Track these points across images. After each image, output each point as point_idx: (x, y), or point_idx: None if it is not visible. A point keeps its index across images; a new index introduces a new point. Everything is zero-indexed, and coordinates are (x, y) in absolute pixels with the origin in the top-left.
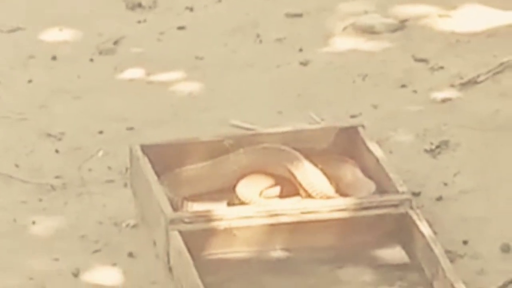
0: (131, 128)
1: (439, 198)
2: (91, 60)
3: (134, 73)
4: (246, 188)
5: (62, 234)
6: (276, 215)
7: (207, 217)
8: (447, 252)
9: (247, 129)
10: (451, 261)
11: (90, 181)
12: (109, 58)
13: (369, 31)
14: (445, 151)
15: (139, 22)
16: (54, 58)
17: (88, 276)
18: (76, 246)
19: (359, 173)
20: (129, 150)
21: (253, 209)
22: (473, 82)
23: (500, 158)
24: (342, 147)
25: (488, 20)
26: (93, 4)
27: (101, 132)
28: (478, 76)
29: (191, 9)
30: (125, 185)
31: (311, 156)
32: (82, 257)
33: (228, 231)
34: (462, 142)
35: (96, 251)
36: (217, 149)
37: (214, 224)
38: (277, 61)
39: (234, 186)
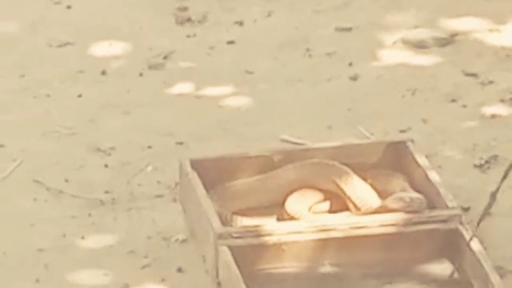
0: (180, 143)
1: (489, 214)
2: (141, 74)
3: (183, 87)
4: (295, 203)
5: (111, 249)
6: (325, 230)
7: (256, 232)
8: (497, 267)
9: (297, 143)
10: (501, 276)
11: (139, 196)
12: (159, 72)
13: (419, 45)
14: (495, 166)
15: (188, 36)
16: (103, 72)
17: None
18: (125, 261)
19: (408, 188)
20: (179, 164)
21: (302, 224)
22: None
23: None
24: (391, 161)
25: None
26: (143, 19)
27: (150, 147)
28: None
29: (241, 23)
30: (174, 200)
31: (360, 170)
32: (131, 272)
33: (277, 246)
34: (511, 157)
35: (145, 266)
36: (266, 164)
37: (263, 239)
38: (327, 75)
39: (283, 201)
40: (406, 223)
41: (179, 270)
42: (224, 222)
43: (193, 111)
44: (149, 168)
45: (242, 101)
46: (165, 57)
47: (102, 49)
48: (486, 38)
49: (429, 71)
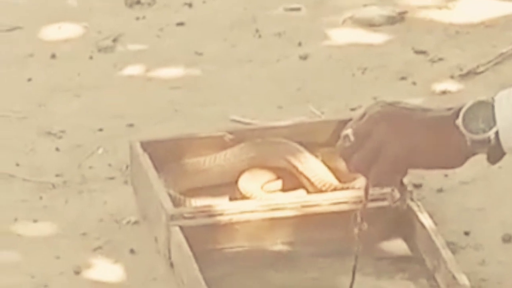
0: (131, 125)
1: (440, 190)
2: (91, 57)
3: (133, 70)
4: (248, 182)
5: (63, 232)
6: (277, 209)
7: (207, 212)
8: (449, 243)
9: (247, 123)
10: (453, 252)
11: (90, 179)
12: (108, 55)
13: (368, 24)
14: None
15: (137, 19)
16: (53, 56)
17: (90, 274)
18: (77, 244)
19: None
20: (129, 147)
21: (254, 203)
22: (473, 73)
23: None
24: None
25: (487, 11)
26: (92, 2)
27: (101, 130)
28: (478, 67)
29: (190, 5)
30: (126, 182)
31: (311, 149)
32: (84, 255)
33: (229, 225)
34: None
35: (97, 248)
36: (217, 144)
37: (215, 219)
38: (277, 56)
39: (236, 181)
40: (358, 201)
41: (132, 251)
42: (176, 202)
43: (143, 93)
44: (100, 150)
45: (192, 82)
46: (114, 40)
47: (52, 32)
48: (436, 15)
49: (379, 49)
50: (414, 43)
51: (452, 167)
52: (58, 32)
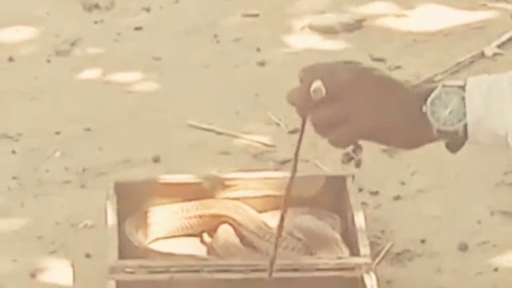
0: (88, 129)
1: (397, 197)
2: (48, 61)
3: (91, 73)
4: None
5: (19, 235)
6: (224, 271)
7: (150, 268)
8: (405, 251)
9: (204, 129)
10: (409, 260)
11: (47, 182)
12: (66, 59)
13: (326, 31)
14: (402, 151)
15: (96, 22)
16: (10, 59)
17: (45, 277)
18: (33, 247)
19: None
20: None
21: (199, 262)
22: (430, 81)
23: (455, 157)
24: (328, 197)
25: (445, 20)
26: (50, 5)
27: (58, 133)
28: (435, 75)
29: (148, 10)
30: (82, 186)
31: (294, 205)
32: (39, 258)
33: (169, 283)
34: None
35: (53, 252)
36: (194, 191)
37: (156, 276)
38: (235, 61)
39: (200, 233)
40: (310, 268)
41: (87, 255)
42: (135, 251)
43: (101, 97)
44: (57, 154)
45: (149, 87)
46: (72, 44)
47: (9, 35)
48: (393, 23)
49: (337, 57)
50: (372, 51)
51: (411, 148)
52: (15, 35)
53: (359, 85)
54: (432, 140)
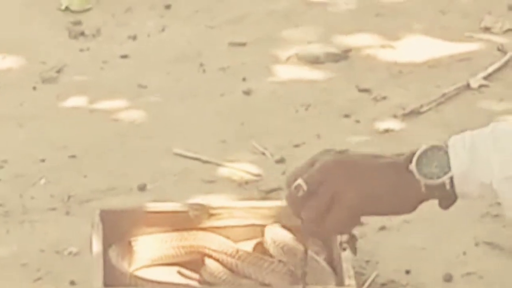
0: (73, 156)
1: (382, 228)
2: (34, 88)
3: (77, 101)
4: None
5: (3, 261)
6: None
7: None
8: (390, 282)
9: (190, 157)
10: None
11: (32, 209)
12: (52, 86)
13: (312, 61)
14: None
15: (82, 50)
16: None
17: None
18: (17, 274)
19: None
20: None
21: None
22: (416, 112)
23: None
24: None
25: (430, 51)
26: (37, 33)
27: (43, 160)
28: (421, 106)
29: (134, 38)
30: (67, 213)
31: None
32: (24, 285)
33: None
34: None
35: (37, 279)
36: (179, 219)
37: None
38: (221, 90)
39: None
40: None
41: (72, 283)
42: (121, 278)
43: (86, 124)
44: (42, 181)
45: (135, 115)
46: (58, 71)
47: None
48: (379, 54)
49: (322, 87)
50: (358, 81)
51: (404, 212)
52: (1, 62)
53: (337, 167)
54: (422, 199)
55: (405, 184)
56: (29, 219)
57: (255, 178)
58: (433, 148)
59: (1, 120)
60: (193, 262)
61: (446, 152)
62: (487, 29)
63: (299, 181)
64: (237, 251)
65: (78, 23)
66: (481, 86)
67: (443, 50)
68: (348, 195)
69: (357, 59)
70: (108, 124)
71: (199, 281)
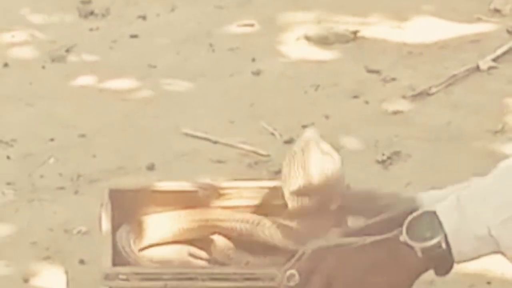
0: (82, 135)
1: None
2: (43, 67)
3: (86, 80)
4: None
5: (13, 240)
6: (218, 279)
7: (143, 275)
8: None
9: (199, 137)
10: None
11: (41, 188)
12: (61, 65)
13: (322, 42)
14: (397, 162)
15: (91, 30)
16: (6, 65)
17: (39, 282)
18: (27, 253)
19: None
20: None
21: (194, 270)
22: (425, 94)
23: (450, 169)
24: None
25: (440, 32)
26: (46, 12)
27: (52, 139)
28: (430, 88)
29: (144, 18)
30: (76, 192)
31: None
32: (33, 264)
33: None
34: (413, 153)
35: (46, 257)
36: (188, 199)
37: (150, 283)
38: (230, 71)
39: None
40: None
41: (81, 262)
42: (129, 258)
43: (95, 104)
44: (51, 160)
45: (144, 94)
46: (67, 50)
47: (5, 41)
48: (389, 35)
49: (331, 68)
50: (367, 62)
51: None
52: (11, 40)
53: (328, 251)
54: (421, 269)
55: (399, 257)
56: (38, 198)
57: (264, 158)
58: (420, 215)
59: (10, 99)
60: (203, 240)
61: (435, 213)
62: (496, 11)
63: (291, 271)
64: (250, 216)
65: (88, 2)
66: (490, 68)
67: (453, 32)
68: (343, 280)
69: (366, 40)
70: (117, 103)
71: (208, 260)
